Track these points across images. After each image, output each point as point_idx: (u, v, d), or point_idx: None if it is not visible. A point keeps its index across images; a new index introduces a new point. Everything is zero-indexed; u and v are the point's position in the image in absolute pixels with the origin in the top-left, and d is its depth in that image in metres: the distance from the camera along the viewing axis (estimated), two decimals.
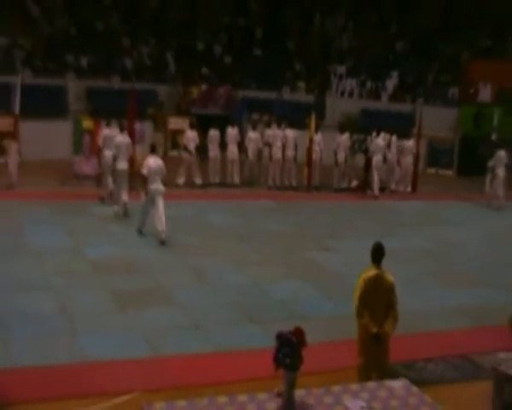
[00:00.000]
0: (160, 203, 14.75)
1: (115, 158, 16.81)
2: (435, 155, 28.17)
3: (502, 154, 21.70)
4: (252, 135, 22.37)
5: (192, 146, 21.06)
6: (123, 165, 16.73)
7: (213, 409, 5.97)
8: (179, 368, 8.93)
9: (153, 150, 15.37)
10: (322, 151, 22.54)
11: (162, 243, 14.56)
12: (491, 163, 21.97)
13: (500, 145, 22.41)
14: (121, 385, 8.23)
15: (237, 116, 26.44)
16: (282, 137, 22.16)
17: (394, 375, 7.90)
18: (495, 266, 15.20)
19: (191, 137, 21.27)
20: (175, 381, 8.45)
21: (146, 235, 15.10)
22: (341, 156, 22.64)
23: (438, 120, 27.72)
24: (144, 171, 14.71)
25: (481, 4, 33.40)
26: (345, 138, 22.92)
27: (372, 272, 7.92)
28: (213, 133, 21.88)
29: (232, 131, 22.29)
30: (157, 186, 14.80)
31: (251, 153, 22.24)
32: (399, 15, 33.86)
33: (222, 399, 6.18)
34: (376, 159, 21.95)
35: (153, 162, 14.86)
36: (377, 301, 7.86)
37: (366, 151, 22.93)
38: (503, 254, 16.24)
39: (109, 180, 17.82)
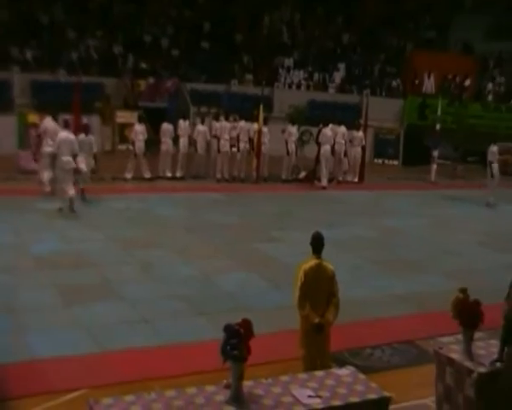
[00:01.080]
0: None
1: (55, 154, 16.63)
2: (381, 146, 28.51)
3: (494, 149, 21.63)
4: (200, 128, 22.32)
5: (141, 140, 20.90)
6: (66, 160, 16.45)
7: (161, 403, 5.92)
8: (127, 363, 8.83)
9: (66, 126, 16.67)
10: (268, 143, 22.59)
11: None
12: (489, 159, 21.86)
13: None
14: (69, 382, 8.09)
15: (171, 109, 26.32)
16: (231, 130, 22.16)
17: (341, 363, 7.97)
18: (439, 253, 15.43)
19: (139, 130, 21.11)
20: (122, 376, 8.33)
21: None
22: (292, 147, 22.73)
23: (384, 111, 28.03)
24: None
25: None
26: (294, 129, 23.03)
27: (312, 261, 7.87)
28: (166, 126, 21.79)
29: (184, 124, 22.20)
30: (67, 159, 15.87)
31: (199, 146, 22.15)
32: (346, 8, 34.06)
33: (170, 392, 6.14)
34: (324, 149, 22.08)
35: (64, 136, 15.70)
36: (318, 290, 7.82)
37: (316, 141, 23.01)
38: (447, 242, 16.50)
39: (46, 174, 17.61)
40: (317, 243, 7.92)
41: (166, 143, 21.60)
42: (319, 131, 22.68)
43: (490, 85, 30.41)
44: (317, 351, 7.95)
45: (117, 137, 25.83)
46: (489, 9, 33.91)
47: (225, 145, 22.04)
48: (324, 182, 22.10)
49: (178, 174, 21.77)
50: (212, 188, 20.94)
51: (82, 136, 17.62)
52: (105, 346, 9.33)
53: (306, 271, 7.80)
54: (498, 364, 7.02)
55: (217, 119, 22.93)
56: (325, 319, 7.83)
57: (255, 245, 14.82)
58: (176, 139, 21.90)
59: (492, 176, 21.34)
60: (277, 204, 19.52)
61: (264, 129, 22.60)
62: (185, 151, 21.86)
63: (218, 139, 22.09)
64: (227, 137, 22.04)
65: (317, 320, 7.79)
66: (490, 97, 30.18)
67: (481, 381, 7.07)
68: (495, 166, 21.40)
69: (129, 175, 20.76)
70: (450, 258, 14.96)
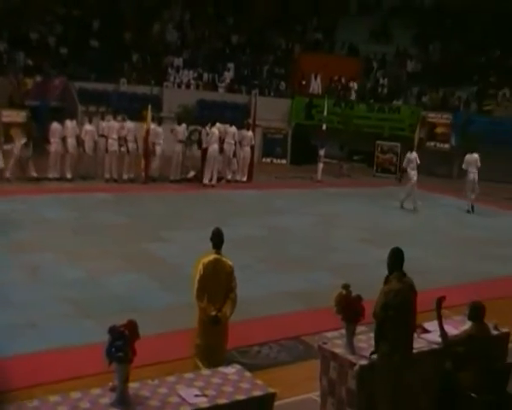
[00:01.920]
0: None
1: None
2: (270, 145, 28.76)
3: (475, 157, 21.76)
4: (88, 127, 21.97)
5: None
6: None
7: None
8: (10, 370, 8.53)
9: None
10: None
11: None
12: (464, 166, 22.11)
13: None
14: None
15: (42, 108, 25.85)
16: (119, 129, 21.93)
17: (230, 361, 8.06)
18: (325, 250, 15.76)
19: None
20: (4, 385, 8.09)
21: None
22: (178, 147, 22.71)
23: (272, 111, 28.35)
24: None
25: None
26: (182, 129, 23.00)
27: (212, 256, 8.06)
28: (55, 126, 21.30)
29: (71, 124, 21.76)
30: None
31: (87, 146, 21.79)
32: (235, 9, 34.28)
33: (54, 398, 6.06)
34: (211, 149, 22.18)
35: None
36: (216, 284, 8.00)
37: (200, 142, 23.01)
38: (333, 239, 16.91)
39: None
40: (217, 239, 8.13)
41: (55, 143, 21.13)
42: (204, 131, 22.74)
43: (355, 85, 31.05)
44: (212, 344, 8.09)
45: (2, 137, 25.00)
46: (373, 13, 34.93)
47: (113, 145, 21.77)
48: (206, 180, 22.22)
49: (68, 175, 21.30)
50: (101, 188, 20.62)
51: None
52: None
53: (205, 265, 7.98)
54: (375, 356, 7.31)
55: (103, 118, 22.62)
56: (222, 313, 8.01)
57: (144, 246, 14.71)
58: (62, 139, 21.39)
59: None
60: (166, 204, 19.48)
61: (159, 129, 22.50)
62: (73, 151, 21.42)
63: (106, 139, 21.80)
64: (115, 136, 21.77)
65: (213, 313, 7.97)
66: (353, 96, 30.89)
67: (362, 373, 7.32)
68: (471, 173, 21.64)
69: (8, 174, 20.20)
70: (335, 254, 15.34)
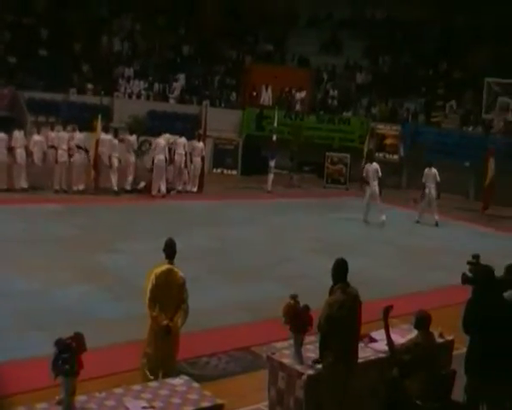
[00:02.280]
0: None
1: None
2: (220, 156, 28.77)
3: (433, 171, 21.75)
4: (36, 138, 21.75)
5: None
6: None
7: None
8: None
9: None
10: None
11: None
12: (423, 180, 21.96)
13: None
14: None
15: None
16: (69, 140, 21.72)
17: (178, 372, 8.08)
18: (274, 260, 15.82)
19: None
20: None
21: None
22: (131, 157, 22.61)
23: (223, 122, 28.39)
24: None
25: (263, 11, 34.66)
26: (133, 140, 22.91)
27: (164, 266, 8.14)
28: (1, 136, 21.01)
29: (19, 135, 21.47)
30: None
31: (36, 157, 21.54)
32: (187, 20, 34.28)
33: None
34: (157, 159, 22.15)
35: None
36: (168, 294, 8.05)
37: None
38: (282, 249, 16.98)
39: None
40: (170, 250, 8.22)
41: (2, 154, 20.87)
42: (150, 144, 22.73)
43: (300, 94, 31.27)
44: (162, 355, 8.10)
45: None
46: (323, 25, 35.25)
47: (63, 155, 21.57)
48: (155, 191, 22.21)
49: (24, 185, 21.05)
50: (51, 200, 20.36)
51: None
52: None
53: (157, 275, 8.05)
54: (318, 365, 7.40)
55: (52, 128, 22.41)
56: (173, 323, 8.05)
57: (95, 257, 14.59)
58: (10, 150, 21.09)
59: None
60: (117, 215, 19.37)
61: (114, 141, 22.38)
62: (23, 162, 21.13)
63: (56, 150, 21.58)
64: (65, 147, 21.57)
65: (165, 322, 8.00)
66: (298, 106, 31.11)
67: (310, 383, 7.40)
68: (431, 188, 21.64)
69: None
70: (284, 265, 15.41)
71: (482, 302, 7.54)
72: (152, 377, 7.84)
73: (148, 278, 8.10)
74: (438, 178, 21.61)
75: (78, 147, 21.79)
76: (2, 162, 20.96)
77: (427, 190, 21.72)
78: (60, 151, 21.53)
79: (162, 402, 6.54)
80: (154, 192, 22.21)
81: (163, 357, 8.11)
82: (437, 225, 21.59)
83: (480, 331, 7.49)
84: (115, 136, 22.87)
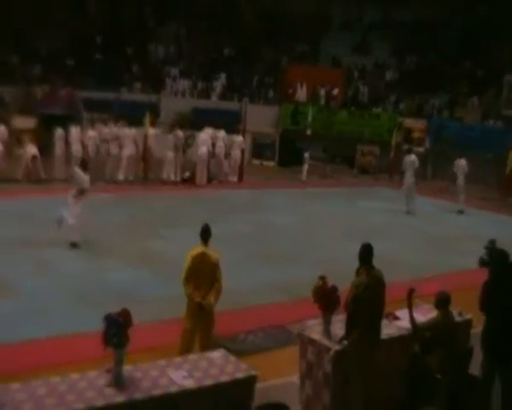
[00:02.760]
0: None
1: None
2: (259, 149, 28.81)
3: (462, 162, 21.57)
4: (91, 133, 22.02)
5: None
6: None
7: (46, 389, 5.93)
8: (17, 354, 8.70)
9: None
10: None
11: None
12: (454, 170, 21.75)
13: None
14: None
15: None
16: (120, 135, 21.93)
17: (216, 347, 8.15)
18: (307, 245, 15.85)
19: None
20: (12, 366, 8.19)
21: None
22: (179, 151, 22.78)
23: (261, 118, 28.46)
24: None
25: (299, 14, 34.56)
26: (180, 134, 23.03)
27: (199, 249, 8.25)
28: (60, 132, 21.36)
29: (75, 130, 21.76)
30: None
31: (90, 150, 21.81)
32: (227, 23, 34.32)
33: (55, 379, 6.16)
34: (200, 151, 22.25)
35: None
36: (202, 274, 8.17)
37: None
38: (315, 235, 16.98)
39: None
40: (205, 234, 8.33)
41: (60, 148, 21.17)
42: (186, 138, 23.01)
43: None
44: (198, 329, 8.24)
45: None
46: (354, 27, 35.05)
47: (114, 149, 21.80)
48: (198, 181, 22.35)
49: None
50: (103, 189, 20.50)
51: None
52: None
53: (193, 256, 8.19)
54: (345, 342, 7.41)
55: (106, 124, 22.66)
56: (206, 300, 8.15)
57: (144, 243, 14.77)
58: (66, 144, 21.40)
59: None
60: (164, 204, 19.47)
61: (168, 136, 22.47)
62: (78, 155, 21.36)
63: (108, 143, 21.81)
64: (116, 141, 21.80)
65: (198, 300, 8.12)
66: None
67: (337, 357, 7.42)
68: (460, 179, 21.47)
69: (20, 176, 20.36)
70: (316, 249, 15.40)
71: (496, 284, 7.51)
72: (189, 350, 7.97)
73: (186, 259, 8.21)
74: (466, 169, 21.40)
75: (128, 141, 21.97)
76: (61, 156, 21.20)
77: (457, 180, 21.53)
78: (111, 145, 21.73)
79: (201, 373, 6.61)
80: (197, 181, 22.33)
81: (199, 332, 8.22)
82: (462, 212, 21.30)
83: (494, 311, 7.47)
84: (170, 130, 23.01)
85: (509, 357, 7.40)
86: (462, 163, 21.64)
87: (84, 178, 14.04)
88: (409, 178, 20.68)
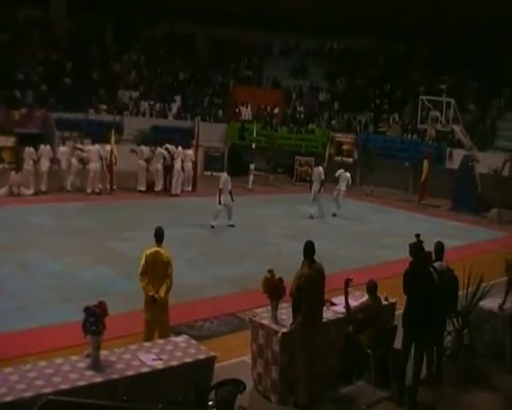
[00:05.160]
0: None
1: None
2: (210, 161, 28.72)
3: (342, 173, 21.06)
4: (62, 149, 21.82)
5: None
6: None
7: (35, 371, 5.98)
8: (7, 343, 8.65)
9: None
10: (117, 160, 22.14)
11: None
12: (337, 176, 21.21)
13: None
14: None
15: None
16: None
17: (179, 333, 8.24)
18: (255, 244, 16.04)
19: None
20: (3, 354, 8.15)
21: None
22: (143, 163, 22.68)
23: (212, 134, 28.44)
24: None
25: (244, 43, 34.78)
26: (145, 150, 22.94)
27: (153, 248, 8.33)
28: (29, 150, 20.88)
29: (45, 148, 21.38)
30: None
31: (62, 164, 21.55)
32: (182, 51, 34.30)
33: (42, 363, 6.21)
34: (158, 164, 22.53)
35: None
36: (155, 271, 8.22)
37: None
38: (261, 235, 17.13)
39: None
40: (158, 236, 8.40)
41: (29, 165, 20.67)
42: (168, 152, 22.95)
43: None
44: (155, 319, 8.27)
45: None
46: (292, 54, 35.41)
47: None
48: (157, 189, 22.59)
49: (43, 189, 20.89)
50: (73, 198, 20.26)
51: None
52: None
53: (147, 254, 8.30)
54: (293, 326, 7.61)
55: (76, 142, 22.42)
56: (158, 294, 8.20)
57: (110, 244, 14.73)
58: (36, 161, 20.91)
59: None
60: (128, 211, 19.27)
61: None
62: (45, 170, 20.97)
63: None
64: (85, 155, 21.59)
65: (151, 293, 8.20)
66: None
67: (284, 338, 7.60)
68: (342, 186, 20.92)
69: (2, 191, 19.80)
70: (263, 247, 15.58)
71: (412, 271, 7.84)
72: (151, 338, 8.04)
73: (141, 257, 8.32)
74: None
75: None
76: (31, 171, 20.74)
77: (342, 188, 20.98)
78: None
79: (168, 355, 6.72)
80: (156, 189, 22.45)
81: (156, 321, 8.28)
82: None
83: (410, 294, 7.79)
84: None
85: (423, 330, 7.75)
86: (342, 173, 21.17)
87: None
88: (315, 187, 20.32)
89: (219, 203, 17.33)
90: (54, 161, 21.45)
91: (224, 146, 29.52)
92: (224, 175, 18.00)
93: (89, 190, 21.26)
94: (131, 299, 9.71)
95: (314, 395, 7.57)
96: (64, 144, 22.12)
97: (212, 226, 17.33)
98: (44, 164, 21.02)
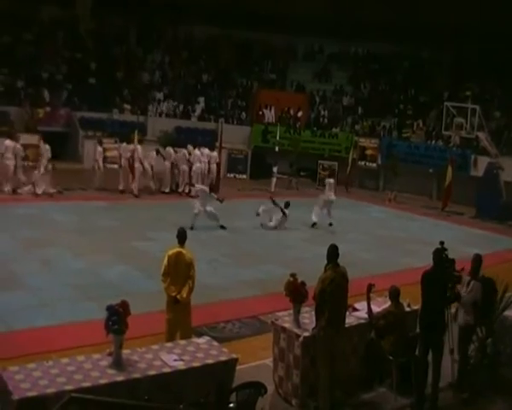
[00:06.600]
0: None
1: None
2: (233, 163, 28.80)
3: (330, 181, 20.31)
4: (100, 149, 22.01)
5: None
6: None
7: (57, 368, 6.01)
8: (29, 340, 8.73)
9: None
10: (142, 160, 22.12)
11: None
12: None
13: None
14: None
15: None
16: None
17: (201, 335, 8.24)
18: (276, 247, 15.99)
19: (45, 150, 20.32)
20: (26, 350, 8.21)
21: None
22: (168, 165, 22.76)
23: (235, 136, 28.48)
24: None
25: (268, 46, 34.82)
26: (169, 151, 23.02)
27: (175, 249, 8.32)
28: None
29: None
30: None
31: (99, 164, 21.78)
32: (206, 53, 34.41)
33: (64, 360, 6.24)
34: (196, 166, 22.50)
35: None
36: (177, 271, 8.23)
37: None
38: (282, 238, 17.07)
39: None
40: (180, 237, 8.40)
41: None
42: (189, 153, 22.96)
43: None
44: (178, 320, 8.27)
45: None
46: (316, 59, 35.36)
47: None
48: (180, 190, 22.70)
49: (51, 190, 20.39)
50: (97, 197, 20.42)
51: None
52: (11, 327, 9.20)
53: (169, 255, 8.29)
54: (315, 330, 7.55)
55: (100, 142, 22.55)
56: (180, 295, 8.20)
57: (133, 243, 14.78)
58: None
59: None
60: (150, 211, 19.28)
61: (151, 153, 22.39)
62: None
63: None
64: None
65: (173, 294, 8.21)
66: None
67: (305, 342, 7.56)
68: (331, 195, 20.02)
69: (26, 188, 19.81)
70: (285, 251, 15.51)
71: (429, 274, 7.91)
72: (173, 338, 8.03)
73: (164, 258, 8.33)
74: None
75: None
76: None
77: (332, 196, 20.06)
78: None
79: (189, 356, 6.72)
80: (180, 190, 22.57)
81: (178, 322, 8.28)
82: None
83: (425, 296, 7.79)
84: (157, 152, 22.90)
85: (436, 329, 7.78)
86: (329, 181, 20.37)
87: None
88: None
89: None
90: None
91: (247, 148, 29.51)
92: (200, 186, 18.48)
93: (136, 192, 21.33)
94: (153, 299, 9.73)
95: (335, 400, 7.50)
96: (101, 145, 22.22)
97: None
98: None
